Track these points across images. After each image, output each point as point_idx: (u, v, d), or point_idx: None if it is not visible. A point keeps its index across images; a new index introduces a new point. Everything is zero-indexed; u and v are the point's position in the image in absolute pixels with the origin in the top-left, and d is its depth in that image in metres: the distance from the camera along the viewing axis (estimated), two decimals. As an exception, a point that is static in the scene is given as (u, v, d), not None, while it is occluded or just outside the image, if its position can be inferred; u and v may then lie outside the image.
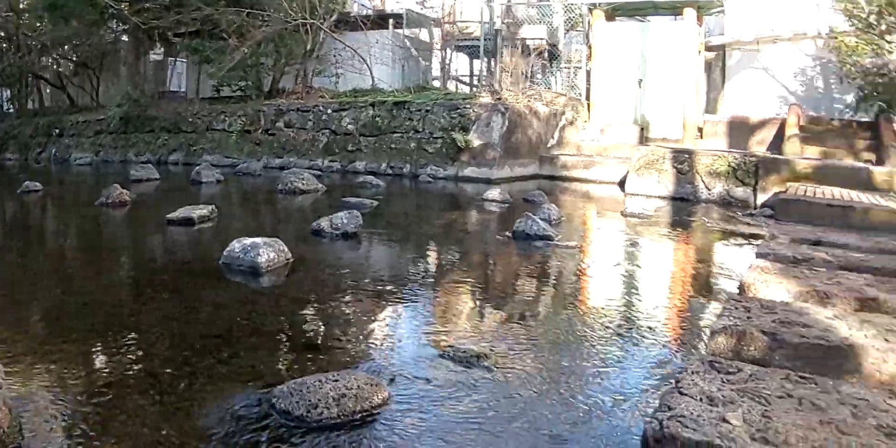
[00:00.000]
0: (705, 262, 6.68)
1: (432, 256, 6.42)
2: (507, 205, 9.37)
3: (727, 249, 7.31)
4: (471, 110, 12.26)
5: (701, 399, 2.73)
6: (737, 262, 6.17)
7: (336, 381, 3.01)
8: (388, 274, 5.46)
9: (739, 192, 11.17)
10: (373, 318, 4.38)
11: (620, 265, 6.22)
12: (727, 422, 2.57)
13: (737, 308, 3.79)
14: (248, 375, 3.29)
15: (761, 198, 10.88)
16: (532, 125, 13.13)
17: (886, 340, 3.43)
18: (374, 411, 2.93)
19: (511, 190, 10.90)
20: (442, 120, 12.44)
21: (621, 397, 3.31)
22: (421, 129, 12.56)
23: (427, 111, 12.58)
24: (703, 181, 11.38)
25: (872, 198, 8.85)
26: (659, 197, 11.38)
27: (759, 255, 5.45)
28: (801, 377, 2.97)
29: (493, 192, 9.78)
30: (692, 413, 2.60)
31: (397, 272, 5.53)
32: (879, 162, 13.26)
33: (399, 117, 12.80)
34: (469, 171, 12.06)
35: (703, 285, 5.65)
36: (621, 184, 12.16)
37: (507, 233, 7.03)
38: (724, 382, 2.89)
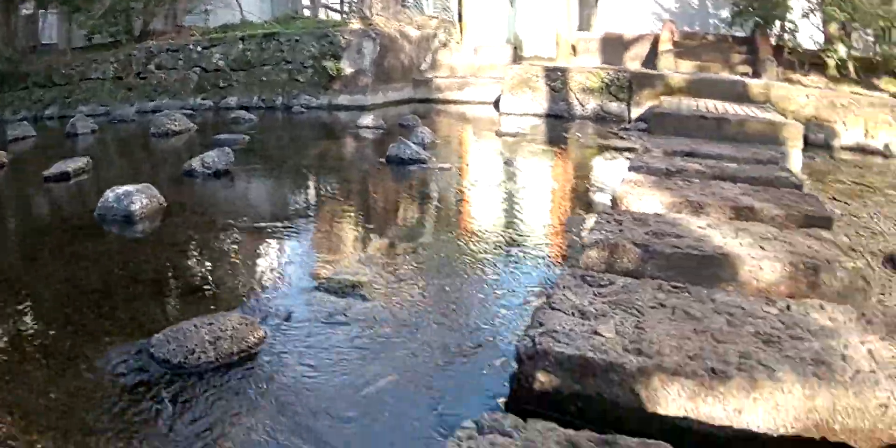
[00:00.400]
0: (581, 178, 6.71)
1: (306, 188, 6.24)
2: (381, 130, 9.24)
3: (602, 164, 7.38)
4: (341, 37, 12.01)
5: (573, 313, 2.64)
6: (612, 177, 6.19)
7: (211, 324, 2.91)
8: (263, 210, 5.33)
9: (613, 107, 11.28)
10: (249, 256, 4.30)
11: (495, 184, 6.19)
12: (599, 334, 2.50)
13: (609, 222, 3.73)
14: (129, 327, 3.20)
15: (635, 112, 11.02)
16: (404, 49, 12.93)
17: (762, 248, 3.44)
18: (252, 351, 2.90)
19: (385, 115, 10.75)
20: (312, 49, 12.18)
21: (501, 317, 3.32)
22: (292, 60, 12.29)
23: (297, 41, 12.31)
24: (576, 98, 11.43)
25: (749, 109, 9.04)
26: (534, 115, 11.38)
27: (631, 169, 5.44)
28: (673, 287, 2.93)
29: (367, 119, 9.60)
30: (564, 328, 2.51)
31: (271, 207, 5.40)
32: (756, 75, 13.60)
33: (269, 49, 12.51)
34: (342, 99, 11.83)
35: (579, 201, 5.69)
36: (496, 104, 12.10)
37: (380, 159, 6.90)
38: (595, 295, 2.81)
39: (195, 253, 4.27)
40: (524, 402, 2.48)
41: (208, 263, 4.09)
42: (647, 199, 4.39)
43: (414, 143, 7.30)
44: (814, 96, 10.80)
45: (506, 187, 6.07)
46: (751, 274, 3.26)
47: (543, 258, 4.21)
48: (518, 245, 4.48)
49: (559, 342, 2.42)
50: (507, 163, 7.17)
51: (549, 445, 1.89)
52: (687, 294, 2.86)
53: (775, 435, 2.28)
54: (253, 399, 2.57)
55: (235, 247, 4.32)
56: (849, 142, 10.63)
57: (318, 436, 2.38)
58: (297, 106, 11.10)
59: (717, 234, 3.61)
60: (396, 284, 3.73)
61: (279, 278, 3.85)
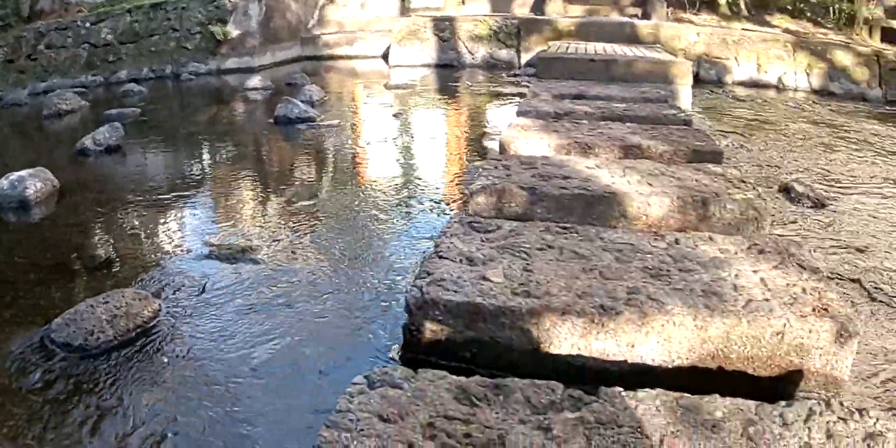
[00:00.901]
0: (473, 126, 6.67)
1: (197, 157, 6.01)
2: (269, 91, 9.04)
3: (494, 111, 7.33)
4: (227, 1, 11.64)
5: (460, 261, 2.54)
6: (503, 123, 6.12)
7: (106, 303, 2.77)
8: (155, 182, 5.12)
9: (503, 54, 11.28)
10: (143, 230, 4.09)
11: (386, 139, 6.11)
12: (488, 280, 2.40)
13: (496, 167, 3.64)
14: (31, 315, 3.01)
15: (525, 58, 11.09)
16: (290, 8, 12.64)
17: (650, 185, 3.40)
18: (148, 325, 2.80)
19: (274, 76, 10.59)
20: (199, 15, 11.83)
21: (397, 269, 3.29)
22: (179, 28, 11.92)
23: (184, 8, 11.93)
24: (465, 47, 11.37)
25: (637, 50, 9.08)
26: (423, 66, 11.31)
27: (519, 114, 5.35)
28: (561, 228, 2.86)
29: (254, 81, 9.36)
30: (452, 276, 2.41)
31: (164, 179, 5.20)
32: (645, 16, 13.73)
33: (157, 19, 12.05)
34: (231, 63, 11.53)
35: (473, 149, 5.60)
36: (385, 57, 11.99)
37: (269, 120, 6.75)
38: (483, 241, 2.71)
39: (91, 232, 4.10)
40: (418, 352, 2.42)
41: (104, 242, 3.92)
42: (535, 143, 4.32)
43: (302, 101, 7.22)
44: (704, 34, 10.94)
45: (397, 141, 5.98)
46: (640, 210, 3.22)
47: (440, 208, 4.14)
48: (413, 197, 4.44)
49: (447, 290, 2.33)
50: (398, 115, 7.04)
51: (440, 394, 1.81)
52: (575, 234, 2.79)
53: (671, 366, 2.24)
54: (152, 373, 2.50)
55: (130, 222, 4.16)
56: (742, 77, 10.87)
57: (217, 402, 2.32)
58: (186, 74, 10.73)
59: (605, 173, 3.55)
60: (288, 245, 3.64)
61: (172, 249, 3.72)
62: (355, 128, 6.53)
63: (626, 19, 11.49)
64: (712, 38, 10.96)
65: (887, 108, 9.67)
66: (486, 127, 6.50)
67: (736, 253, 2.66)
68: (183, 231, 4.04)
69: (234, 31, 11.44)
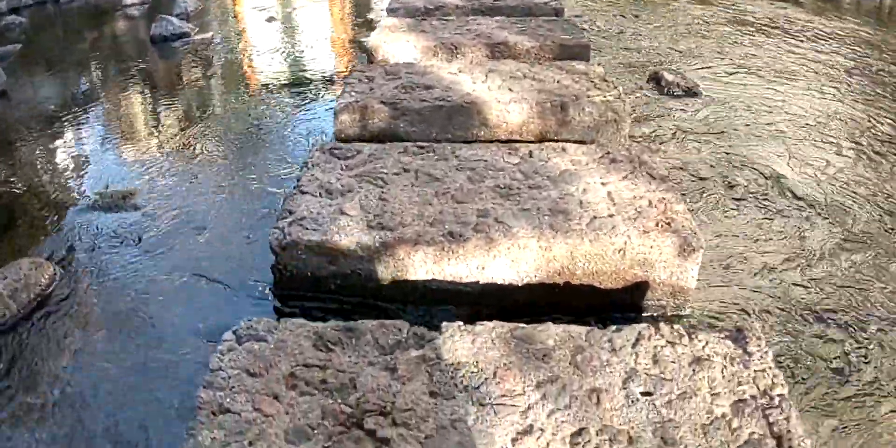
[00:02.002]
0: (349, 23, 6.53)
1: (79, 92, 5.63)
2: (146, 5, 8.59)
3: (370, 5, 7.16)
4: None
5: (320, 194, 2.57)
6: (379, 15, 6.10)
7: (5, 278, 2.67)
8: (34, 125, 4.80)
9: None
10: (26, 188, 3.85)
11: (258, 49, 5.94)
12: (345, 213, 2.44)
13: (360, 80, 3.62)
14: None
15: None
16: None
17: (510, 90, 3.44)
18: (47, 292, 2.74)
19: None
20: None
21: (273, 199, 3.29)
22: None
23: None
24: None
25: None
26: None
27: (389, 12, 5.26)
28: (419, 147, 2.89)
29: None
30: (312, 212, 2.45)
31: (43, 121, 4.90)
32: None
33: None
34: None
35: (350, 51, 5.55)
36: None
37: (146, 39, 6.51)
38: (343, 170, 2.74)
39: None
40: (289, 288, 2.50)
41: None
42: (402, 47, 4.29)
43: (176, 15, 7.05)
44: None
45: (270, 51, 5.83)
46: (499, 118, 3.27)
47: (320, 124, 4.14)
48: (291, 114, 4.39)
49: (307, 229, 2.37)
50: (271, 19, 6.84)
51: (300, 342, 1.87)
52: (431, 153, 2.83)
53: (520, 284, 2.35)
54: (57, 341, 2.50)
55: (12, 180, 3.92)
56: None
57: (115, 361, 2.37)
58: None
59: (466, 79, 3.57)
60: (170, 184, 3.56)
61: (56, 206, 3.57)
62: (228, 40, 6.34)
63: None
64: None
65: None
66: (365, 21, 6.41)
67: (587, 164, 2.75)
68: (62, 183, 3.87)
69: None
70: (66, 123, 4.68)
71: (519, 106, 3.26)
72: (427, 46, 4.29)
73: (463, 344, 1.83)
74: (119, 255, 2.96)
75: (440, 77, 3.61)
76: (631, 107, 4.19)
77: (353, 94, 3.43)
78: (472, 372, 1.74)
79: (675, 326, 1.92)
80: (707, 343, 1.84)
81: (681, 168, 3.53)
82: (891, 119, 4.30)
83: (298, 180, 2.69)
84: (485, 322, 1.92)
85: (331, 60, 5.63)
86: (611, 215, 2.38)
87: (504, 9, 5.29)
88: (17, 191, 3.75)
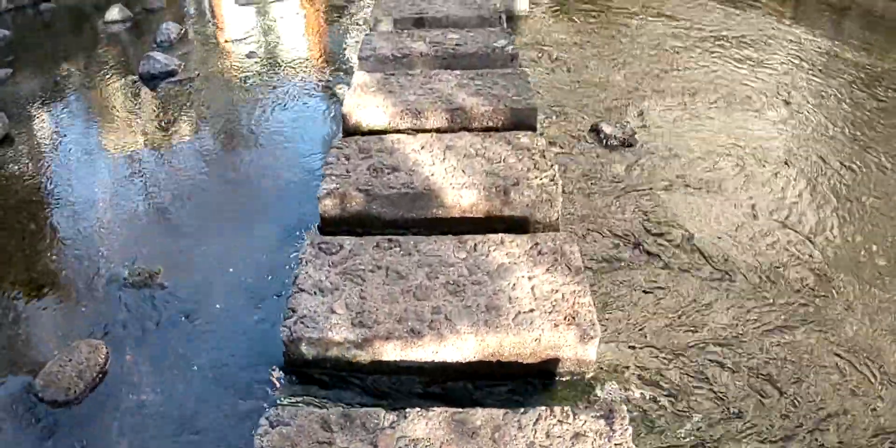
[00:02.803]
0: (329, 61, 7.44)
1: (82, 150, 6.00)
2: (129, 23, 9.23)
3: (345, 29, 8.24)
4: None
5: (314, 292, 3.47)
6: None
7: (70, 360, 3.49)
8: (51, 194, 5.32)
9: None
10: (48, 266, 4.49)
11: (245, 87, 6.74)
12: (335, 311, 3.36)
13: (338, 158, 4.49)
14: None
15: None
16: None
17: (463, 172, 4.32)
18: (105, 369, 3.56)
19: None
20: None
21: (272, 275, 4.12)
22: None
23: None
24: None
25: None
26: None
27: (361, 59, 6.09)
28: (388, 241, 3.79)
29: (113, 13, 9.41)
30: (310, 311, 3.35)
31: (41, 176, 5.50)
32: None
33: None
34: None
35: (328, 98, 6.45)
36: None
37: (134, 77, 7.23)
38: (330, 266, 3.63)
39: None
40: (299, 366, 3.39)
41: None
42: (372, 113, 5.12)
43: (160, 42, 7.99)
44: None
45: (255, 96, 6.57)
46: (454, 201, 4.16)
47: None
48: (291, 168, 5.35)
49: (307, 327, 3.27)
50: (252, 55, 7.57)
51: (313, 426, 2.77)
52: (398, 248, 3.73)
53: (464, 361, 3.29)
54: (124, 410, 3.32)
55: (26, 257, 4.49)
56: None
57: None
58: (45, 4, 10.59)
59: (428, 159, 4.44)
60: (188, 261, 4.34)
61: (88, 282, 4.20)
62: (213, 79, 7.03)
63: None
64: None
65: None
66: (344, 60, 7.27)
67: (519, 257, 3.66)
68: (89, 260, 4.41)
69: None
70: (72, 183, 5.32)
71: (469, 191, 4.16)
72: (395, 112, 5.14)
73: (420, 425, 2.76)
74: (158, 335, 3.78)
75: (406, 156, 4.49)
76: (564, 163, 5.06)
77: (333, 178, 4.31)
78: (426, 445, 2.69)
79: (565, 408, 2.85)
80: (585, 421, 2.79)
81: (596, 231, 4.44)
82: (829, 172, 5.12)
83: (295, 278, 3.59)
84: (435, 408, 2.85)
85: (309, 108, 6.37)
86: (531, 310, 3.32)
87: (464, 56, 6.13)
88: (35, 270, 4.45)
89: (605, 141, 5.44)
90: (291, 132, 5.80)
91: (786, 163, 5.18)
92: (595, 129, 5.57)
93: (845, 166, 5.18)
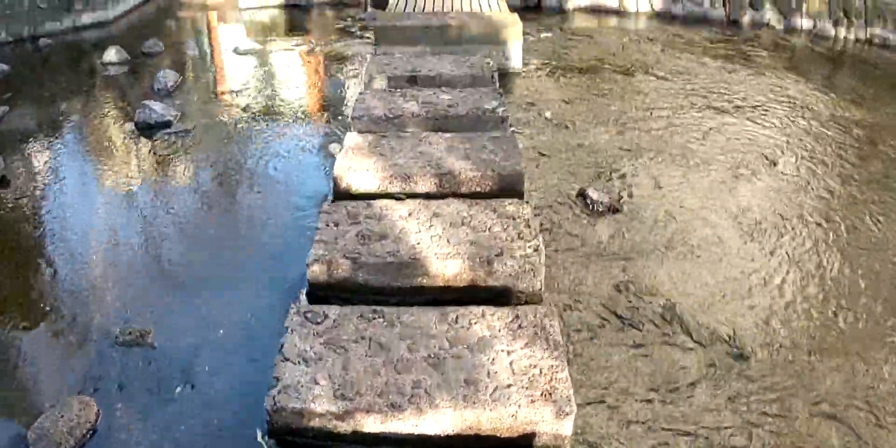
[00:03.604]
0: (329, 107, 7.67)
1: (82, 203, 6.16)
2: (126, 66, 9.50)
3: (340, 83, 8.50)
4: None
5: (299, 362, 3.60)
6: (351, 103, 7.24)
7: (62, 416, 3.66)
8: (33, 229, 5.54)
9: None
10: (44, 323, 4.59)
11: (241, 142, 6.98)
12: (317, 382, 3.49)
13: (328, 224, 4.64)
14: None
15: None
16: None
17: (448, 242, 4.48)
18: (96, 424, 3.71)
19: (130, 26, 11.53)
20: None
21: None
22: None
23: None
24: None
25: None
26: (273, 6, 12.03)
27: (354, 119, 6.28)
28: (373, 311, 3.93)
29: (111, 54, 9.74)
30: (294, 381, 3.47)
31: (42, 225, 5.65)
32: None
33: None
34: (86, 19, 11.73)
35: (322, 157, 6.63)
36: None
37: (130, 125, 7.44)
38: (315, 336, 3.76)
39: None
40: (283, 433, 3.48)
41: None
42: (363, 177, 5.29)
43: (157, 89, 8.21)
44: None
45: (248, 150, 6.75)
46: (438, 270, 4.30)
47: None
48: (284, 226, 5.52)
49: (291, 397, 3.39)
50: (248, 109, 7.77)
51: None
52: (381, 319, 3.87)
53: (443, 435, 3.42)
54: None
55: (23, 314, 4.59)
56: (583, 3, 11.80)
57: None
58: (44, 39, 10.84)
59: (415, 225, 4.60)
60: (180, 322, 4.47)
61: (78, 339, 4.36)
62: (209, 132, 7.21)
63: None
64: (553, -37, 11.81)
65: (729, 30, 11.10)
66: (339, 116, 7.46)
67: (500, 330, 3.80)
68: (82, 314, 4.55)
69: None
70: (66, 233, 5.45)
71: (454, 261, 4.31)
72: (385, 176, 5.31)
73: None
74: (148, 395, 3.89)
75: (393, 223, 4.65)
76: (551, 225, 5.22)
77: (321, 245, 4.47)
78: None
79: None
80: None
81: (578, 301, 4.60)
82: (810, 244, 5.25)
83: (281, 346, 3.72)
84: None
85: (303, 166, 6.56)
86: (509, 386, 3.45)
87: (455, 118, 6.33)
88: (41, 311, 4.60)
89: (591, 206, 5.59)
90: (285, 190, 5.97)
91: (772, 227, 5.32)
92: (582, 194, 5.73)
93: (835, 232, 5.37)
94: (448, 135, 5.89)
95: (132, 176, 6.30)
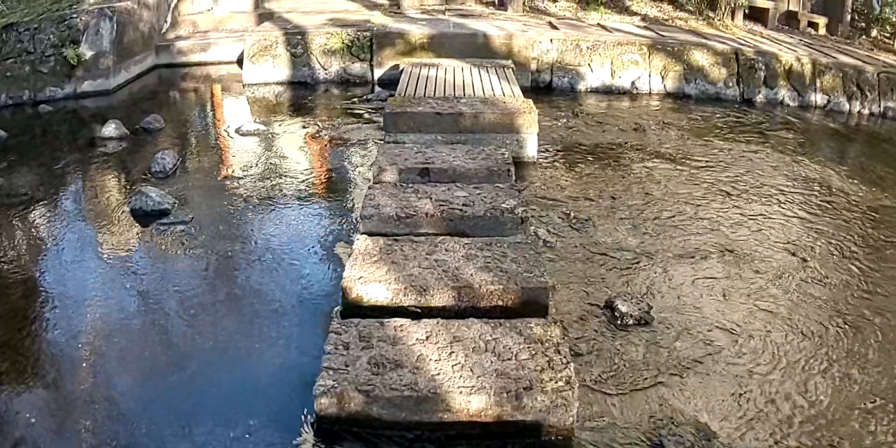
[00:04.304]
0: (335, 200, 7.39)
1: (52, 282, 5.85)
2: (125, 142, 9.23)
3: (347, 172, 8.18)
4: (78, 20, 11.68)
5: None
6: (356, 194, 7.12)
7: None
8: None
9: (356, 68, 11.97)
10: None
11: (240, 239, 6.57)
12: None
13: (337, 348, 4.24)
14: None
15: (378, 72, 11.97)
16: (143, 18, 12.74)
17: (472, 371, 4.07)
18: None
19: (131, 96, 11.38)
20: (52, 36, 11.71)
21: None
22: (33, 50, 11.69)
23: (36, 29, 11.70)
24: (318, 62, 12.00)
25: (488, 77, 9.97)
26: (277, 84, 11.88)
27: (363, 218, 5.92)
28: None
29: (110, 128, 9.43)
30: None
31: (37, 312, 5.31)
32: (501, 5, 14.44)
33: (10, 42, 11.73)
34: (87, 86, 11.62)
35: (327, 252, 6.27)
36: (240, 62, 12.42)
37: (126, 210, 7.07)
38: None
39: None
40: None
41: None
42: (375, 288, 4.92)
43: (155, 173, 7.91)
44: (558, 41, 11.62)
45: (255, 252, 6.32)
46: (462, 405, 3.89)
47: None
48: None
49: None
50: (249, 199, 7.39)
51: None
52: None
53: None
54: None
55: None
56: (595, 84, 11.64)
57: None
58: (44, 105, 10.70)
59: (433, 351, 4.20)
60: None
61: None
62: (207, 225, 6.77)
63: (477, 28, 12.10)
64: (566, 44, 11.67)
65: (743, 109, 11.02)
66: (347, 211, 7.12)
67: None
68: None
69: (87, 53, 11.62)
70: (47, 329, 5.08)
71: (478, 396, 3.90)
72: (398, 289, 4.94)
73: None
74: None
75: (409, 349, 4.25)
76: (581, 346, 4.82)
77: (330, 373, 4.06)
78: None
79: None
80: None
81: (612, 429, 4.17)
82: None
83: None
84: None
85: (308, 271, 6.05)
86: None
87: (471, 219, 5.98)
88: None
89: (620, 319, 5.21)
90: (287, 301, 5.51)
91: (801, 335, 5.10)
92: (609, 306, 5.34)
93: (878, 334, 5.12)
94: (465, 240, 5.54)
95: (119, 274, 5.94)
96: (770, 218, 6.91)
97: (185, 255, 6.19)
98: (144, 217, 6.96)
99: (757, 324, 5.18)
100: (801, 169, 8.29)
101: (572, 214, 6.97)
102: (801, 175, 8.09)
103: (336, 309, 5.15)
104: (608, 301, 5.42)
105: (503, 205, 6.17)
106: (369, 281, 4.97)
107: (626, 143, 9.05)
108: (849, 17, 14.46)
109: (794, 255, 6.20)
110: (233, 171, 8.13)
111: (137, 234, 6.66)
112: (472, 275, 5.05)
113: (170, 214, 6.95)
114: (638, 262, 6.04)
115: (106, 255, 6.26)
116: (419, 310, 4.97)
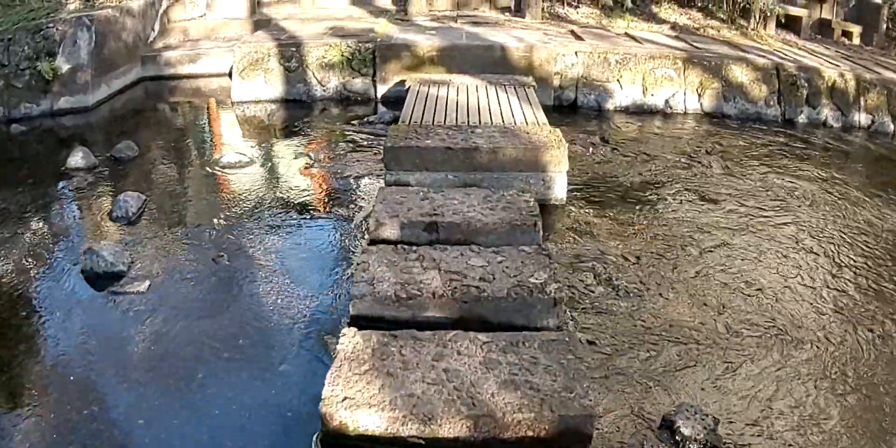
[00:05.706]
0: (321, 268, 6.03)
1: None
2: (91, 175, 8.12)
3: (341, 223, 6.88)
4: (55, 30, 10.81)
5: None
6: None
7: None
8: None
9: (358, 84, 10.81)
10: None
11: (202, 317, 5.27)
12: None
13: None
14: None
15: (381, 89, 10.73)
16: (126, 27, 11.70)
17: None
18: None
19: (110, 114, 10.50)
20: (27, 48, 10.87)
21: None
22: (7, 63, 10.89)
23: (10, 40, 10.88)
24: (315, 77, 10.78)
25: (507, 98, 8.77)
26: (269, 101, 10.70)
27: (355, 297, 4.67)
28: None
29: (77, 158, 8.34)
30: None
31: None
32: (518, 11, 13.26)
33: None
34: (63, 103, 10.70)
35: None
36: (231, 74, 11.25)
37: (75, 268, 5.93)
38: None
39: None
40: None
41: None
42: (363, 414, 3.71)
43: (116, 218, 6.86)
44: (583, 54, 10.40)
45: (218, 341, 5.06)
46: None
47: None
48: None
49: None
50: (218, 259, 6.10)
51: None
52: None
53: None
54: None
55: None
56: (625, 102, 10.49)
57: None
58: (16, 124, 9.90)
59: None
60: None
61: None
62: (166, 296, 5.55)
63: (494, 39, 10.87)
64: (593, 58, 10.43)
65: (788, 132, 9.90)
66: (334, 283, 5.77)
67: None
68: None
69: (63, 67, 10.71)
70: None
71: None
72: (394, 416, 3.73)
73: None
74: None
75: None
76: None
77: None
78: None
79: None
80: None
81: None
82: None
83: None
84: None
85: (282, 378, 4.70)
86: None
87: (491, 301, 4.77)
88: None
89: (682, 444, 3.92)
90: (258, 420, 4.24)
91: None
92: (668, 426, 4.07)
93: None
94: (483, 337, 4.33)
95: (58, 358, 4.83)
96: (843, 282, 5.81)
97: (138, 337, 5.03)
98: (95, 280, 5.81)
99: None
100: (872, 215, 7.05)
101: (610, 279, 5.66)
102: (842, 219, 7.05)
103: (316, 435, 3.89)
104: (666, 419, 4.15)
105: (531, 279, 4.93)
106: (357, 405, 3.78)
107: (668, 180, 7.79)
108: (884, 26, 13.17)
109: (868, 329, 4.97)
110: (203, 219, 6.85)
111: (80, 309, 5.42)
112: (492, 395, 3.89)
113: (124, 277, 5.68)
114: (700, 354, 4.75)
115: (44, 334, 5.13)
116: (423, 441, 3.84)
